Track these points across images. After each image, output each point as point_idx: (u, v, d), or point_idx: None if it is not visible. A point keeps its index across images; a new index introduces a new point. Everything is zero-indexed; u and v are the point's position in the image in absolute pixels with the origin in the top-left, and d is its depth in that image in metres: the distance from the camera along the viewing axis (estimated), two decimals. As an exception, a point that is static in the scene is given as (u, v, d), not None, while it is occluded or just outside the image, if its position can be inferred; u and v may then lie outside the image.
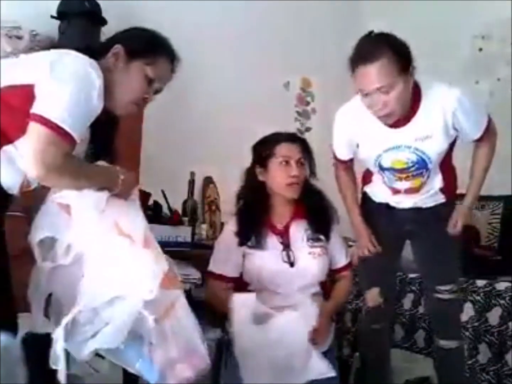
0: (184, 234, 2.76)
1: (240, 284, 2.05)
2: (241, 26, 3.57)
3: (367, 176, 2.18)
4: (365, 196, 2.22)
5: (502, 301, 2.54)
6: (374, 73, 1.69)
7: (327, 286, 2.12)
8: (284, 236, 2.04)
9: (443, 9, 3.85)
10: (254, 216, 2.06)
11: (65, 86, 1.34)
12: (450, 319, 2.14)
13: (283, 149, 2.06)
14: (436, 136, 1.85)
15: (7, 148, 1.36)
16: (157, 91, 1.59)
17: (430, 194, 2.08)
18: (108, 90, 1.45)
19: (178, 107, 3.21)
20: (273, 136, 2.12)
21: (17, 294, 1.41)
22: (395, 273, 2.39)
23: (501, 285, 2.59)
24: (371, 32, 1.78)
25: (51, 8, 2.64)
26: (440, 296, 2.08)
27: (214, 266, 2.06)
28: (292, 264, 2.00)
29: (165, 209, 2.86)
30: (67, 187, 1.39)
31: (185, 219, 2.94)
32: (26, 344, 1.31)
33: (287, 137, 2.11)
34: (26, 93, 1.34)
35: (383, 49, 1.71)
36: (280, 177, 2.03)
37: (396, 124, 1.83)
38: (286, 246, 2.02)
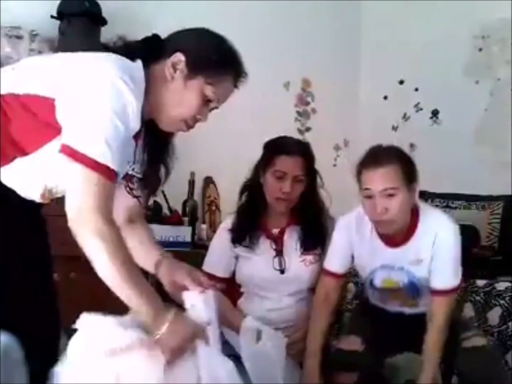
0: (184, 234, 2.76)
1: (232, 285, 2.05)
2: (241, 26, 3.56)
3: None
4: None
5: (502, 301, 2.55)
6: (382, 175, 1.77)
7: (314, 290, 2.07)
8: (277, 242, 2.03)
9: (443, 9, 3.85)
10: (251, 216, 2.04)
11: (88, 105, 1.18)
12: None
13: (282, 163, 1.98)
14: (426, 262, 1.86)
15: (22, 159, 1.24)
16: (211, 109, 1.39)
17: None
18: (157, 100, 1.31)
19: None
20: (280, 142, 2.06)
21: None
22: None
23: (501, 285, 2.59)
24: (380, 145, 1.90)
25: (51, 8, 2.64)
26: None
27: (206, 265, 2.05)
28: (282, 271, 1.99)
29: (165, 209, 2.86)
30: (98, 261, 1.15)
31: (185, 219, 2.94)
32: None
33: (291, 150, 2.00)
34: (46, 105, 1.21)
35: (392, 158, 1.82)
36: (272, 190, 1.99)
37: (392, 244, 1.87)
38: (279, 252, 2.01)
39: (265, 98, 3.64)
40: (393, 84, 4.17)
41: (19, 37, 2.46)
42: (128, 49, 1.33)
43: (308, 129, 4.01)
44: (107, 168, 1.17)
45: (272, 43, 3.71)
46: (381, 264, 1.89)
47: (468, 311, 2.59)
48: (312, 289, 2.05)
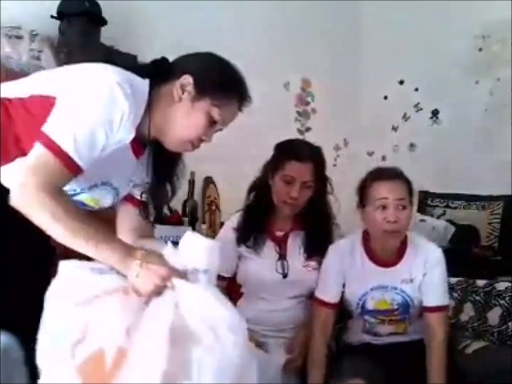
0: (184, 234, 2.75)
1: (233, 285, 2.05)
2: (241, 26, 3.57)
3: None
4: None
5: (502, 301, 2.54)
6: (398, 186, 1.89)
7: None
8: (281, 245, 2.02)
9: (443, 9, 3.85)
10: (257, 217, 2.03)
11: (80, 102, 1.23)
12: None
13: (292, 168, 1.95)
14: (417, 281, 1.93)
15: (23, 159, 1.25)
16: (216, 131, 1.43)
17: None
18: (163, 120, 1.35)
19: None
20: (291, 146, 2.03)
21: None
22: None
23: (501, 285, 2.59)
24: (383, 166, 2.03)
25: (51, 8, 2.63)
26: None
27: None
28: (285, 275, 1.98)
29: (165, 209, 2.86)
30: (46, 225, 1.19)
31: (185, 219, 2.94)
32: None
33: (301, 155, 1.97)
34: (47, 104, 1.25)
35: (401, 174, 1.94)
36: (280, 193, 1.98)
37: (385, 264, 1.94)
38: (282, 256, 2.00)
39: (265, 98, 3.64)
40: (393, 84, 4.17)
41: (19, 37, 2.45)
42: (137, 68, 1.37)
43: (308, 129, 4.01)
44: (68, 157, 1.20)
45: (272, 43, 3.71)
46: (374, 286, 1.92)
47: (468, 311, 2.60)
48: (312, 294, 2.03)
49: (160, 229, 2.56)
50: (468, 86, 3.79)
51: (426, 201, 3.72)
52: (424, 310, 1.93)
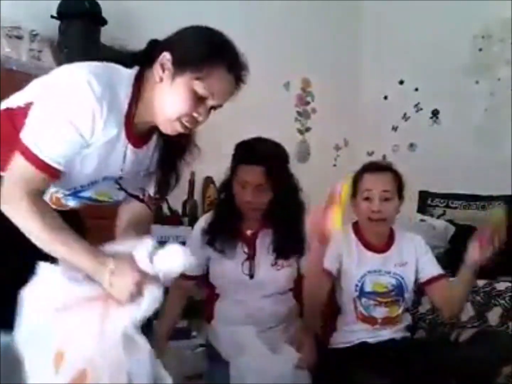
0: (184, 234, 2.75)
1: (211, 288, 2.04)
2: (241, 26, 3.57)
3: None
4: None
5: (502, 301, 2.55)
6: (383, 178, 2.02)
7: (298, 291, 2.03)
8: (250, 245, 1.98)
9: (443, 9, 3.85)
10: (225, 218, 1.99)
11: (49, 105, 1.23)
12: None
13: (244, 173, 1.92)
14: (410, 265, 2.07)
15: None
16: (213, 108, 1.34)
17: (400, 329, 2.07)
18: (151, 103, 1.31)
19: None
20: (242, 150, 1.98)
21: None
22: None
23: (501, 285, 2.59)
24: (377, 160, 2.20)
25: (51, 8, 2.63)
26: None
27: None
28: (251, 276, 1.95)
29: (165, 209, 2.86)
30: (26, 228, 1.22)
31: (185, 219, 2.94)
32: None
33: (250, 159, 1.92)
34: (26, 113, 1.26)
35: (390, 168, 2.09)
36: (237, 197, 1.95)
37: (378, 251, 2.07)
38: (250, 256, 1.97)
39: (265, 98, 3.64)
40: (393, 84, 4.17)
41: (19, 37, 2.45)
42: (124, 57, 1.35)
43: (308, 129, 4.02)
44: (42, 161, 1.21)
45: (272, 43, 3.71)
46: (370, 269, 2.03)
47: (468, 311, 2.59)
48: (291, 290, 2.03)
49: (160, 229, 2.57)
50: (468, 86, 3.79)
51: (426, 201, 3.72)
52: (428, 284, 2.07)
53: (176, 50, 1.28)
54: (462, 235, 3.33)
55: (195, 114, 1.30)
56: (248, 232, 2.01)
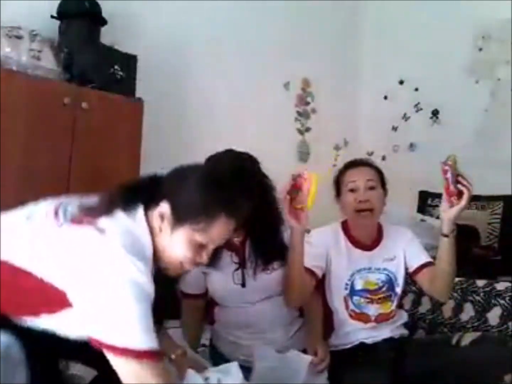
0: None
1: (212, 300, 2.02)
2: (242, 26, 3.57)
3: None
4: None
5: (502, 301, 2.54)
6: (365, 170, 2.04)
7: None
8: (239, 253, 1.94)
9: (443, 9, 3.85)
10: None
11: (117, 306, 1.16)
12: None
13: None
14: (398, 258, 2.07)
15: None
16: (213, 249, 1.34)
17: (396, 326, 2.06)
18: (156, 249, 1.27)
19: (178, 107, 3.21)
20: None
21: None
22: None
23: (501, 285, 2.59)
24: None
25: (51, 8, 2.64)
26: None
27: (181, 283, 1.94)
28: (243, 285, 1.92)
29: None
30: None
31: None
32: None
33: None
34: (59, 296, 1.19)
35: (371, 163, 2.11)
36: None
37: (366, 248, 2.05)
38: (240, 265, 1.93)
39: (265, 98, 3.65)
40: (393, 84, 4.17)
41: (19, 37, 2.45)
42: (128, 199, 1.29)
43: (308, 129, 4.02)
44: (150, 352, 1.17)
45: (272, 43, 3.71)
46: (360, 267, 2.03)
47: (468, 311, 2.60)
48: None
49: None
50: (468, 86, 3.79)
51: (426, 201, 3.72)
52: (417, 272, 2.05)
53: (174, 201, 1.27)
54: (462, 235, 3.32)
55: (197, 259, 1.31)
56: (236, 241, 1.96)
